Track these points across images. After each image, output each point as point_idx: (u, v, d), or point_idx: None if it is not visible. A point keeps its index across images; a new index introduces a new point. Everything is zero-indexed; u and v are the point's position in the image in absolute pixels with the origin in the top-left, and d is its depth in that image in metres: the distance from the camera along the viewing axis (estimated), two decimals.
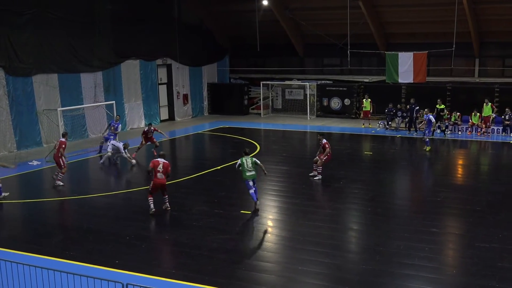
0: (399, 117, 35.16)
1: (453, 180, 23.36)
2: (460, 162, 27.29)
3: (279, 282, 13.03)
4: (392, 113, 35.45)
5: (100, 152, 27.26)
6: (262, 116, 42.28)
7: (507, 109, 32.52)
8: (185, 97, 41.38)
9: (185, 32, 39.71)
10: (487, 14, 36.28)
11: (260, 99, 43.25)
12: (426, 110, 29.89)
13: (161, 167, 17.36)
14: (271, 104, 44.05)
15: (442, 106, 33.81)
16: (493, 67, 39.36)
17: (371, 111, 36.35)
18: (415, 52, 36.01)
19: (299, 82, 42.47)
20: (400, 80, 36.86)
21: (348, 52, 37.24)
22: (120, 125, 28.03)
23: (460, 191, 21.14)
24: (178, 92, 40.59)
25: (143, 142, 26.94)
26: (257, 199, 18.17)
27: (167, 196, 18.13)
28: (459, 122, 33.92)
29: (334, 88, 41.08)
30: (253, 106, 44.45)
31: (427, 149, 27.98)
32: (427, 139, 28.33)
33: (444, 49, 35.41)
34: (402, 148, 30.64)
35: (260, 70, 44.62)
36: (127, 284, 9.82)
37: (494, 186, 21.85)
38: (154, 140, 26.96)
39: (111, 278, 10.80)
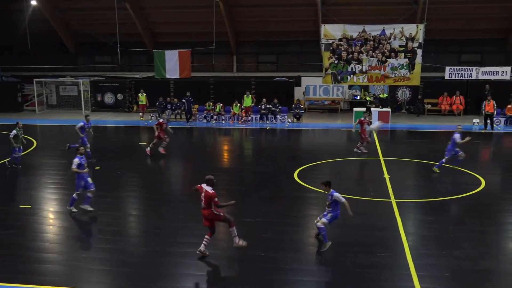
0: (169, 109, 35.65)
1: (220, 164, 24.21)
2: (226, 147, 28.34)
3: (63, 271, 12.49)
4: (162, 106, 35.83)
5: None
6: (37, 112, 40.20)
7: (264, 100, 34.47)
8: None
9: None
10: (242, 16, 38.13)
11: (34, 96, 40.98)
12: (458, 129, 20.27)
13: (203, 196, 13.11)
14: (46, 100, 42.09)
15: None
16: (249, 63, 41.54)
17: (147, 104, 36.39)
18: (180, 50, 36.67)
19: (72, 79, 41.20)
20: (167, 76, 37.43)
21: (118, 50, 36.85)
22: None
23: (227, 173, 21.94)
24: None
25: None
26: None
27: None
28: (223, 112, 35.22)
29: (107, 84, 40.53)
30: (28, 103, 42.08)
31: (437, 170, 20.56)
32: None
33: (206, 47, 36.54)
34: (175, 137, 30.93)
35: (33, 68, 42.48)
36: None
37: (255, 167, 23.13)
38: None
39: None
